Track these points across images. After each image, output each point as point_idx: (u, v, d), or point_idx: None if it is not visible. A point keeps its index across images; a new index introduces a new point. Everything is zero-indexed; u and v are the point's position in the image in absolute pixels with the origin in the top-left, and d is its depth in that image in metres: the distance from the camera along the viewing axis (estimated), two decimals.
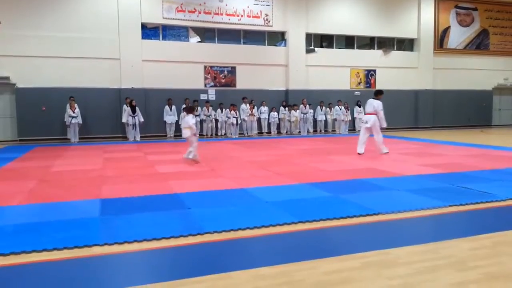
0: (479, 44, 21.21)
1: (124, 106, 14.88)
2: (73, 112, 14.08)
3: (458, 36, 20.74)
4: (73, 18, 14.80)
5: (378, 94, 9.66)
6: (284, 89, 17.80)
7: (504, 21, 21.60)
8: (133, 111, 14.71)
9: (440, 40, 20.37)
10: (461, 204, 4.93)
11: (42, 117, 14.45)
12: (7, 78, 14.13)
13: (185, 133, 8.47)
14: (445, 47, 20.51)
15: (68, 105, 14.10)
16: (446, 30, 20.44)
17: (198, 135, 8.84)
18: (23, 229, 4.11)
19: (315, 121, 17.86)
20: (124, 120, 14.84)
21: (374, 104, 9.43)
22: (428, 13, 19.90)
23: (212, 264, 3.22)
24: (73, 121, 14.13)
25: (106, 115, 15.20)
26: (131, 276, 3.09)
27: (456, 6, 20.56)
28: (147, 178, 6.92)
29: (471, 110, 20.89)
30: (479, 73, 21.00)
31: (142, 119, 14.80)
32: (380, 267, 3.11)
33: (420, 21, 19.79)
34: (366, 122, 9.45)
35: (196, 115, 15.55)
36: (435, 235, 3.99)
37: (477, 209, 4.81)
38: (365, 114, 9.86)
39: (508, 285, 2.84)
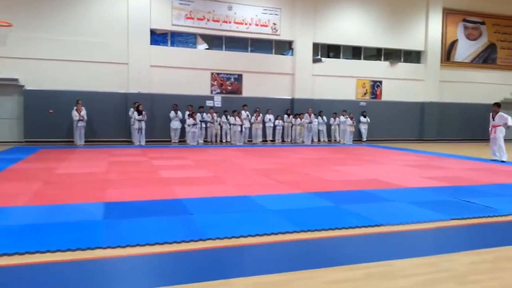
0: (486, 58, 21.21)
1: (131, 109, 15.00)
2: (80, 115, 14.19)
3: (466, 49, 20.77)
4: (83, 22, 14.98)
5: None
6: (289, 97, 17.87)
7: None
8: (140, 115, 14.80)
9: (447, 53, 20.41)
10: (463, 218, 4.91)
11: (49, 119, 14.57)
12: (16, 80, 14.30)
13: None
14: (452, 60, 20.53)
15: (74, 108, 14.22)
16: (454, 43, 20.48)
17: None
18: (27, 230, 4.15)
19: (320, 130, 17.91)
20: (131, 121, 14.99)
21: None
22: (435, 26, 19.95)
23: (213, 271, 3.23)
24: (79, 124, 14.24)
25: (112, 119, 15.31)
26: (133, 280, 3.11)
27: (464, 20, 20.61)
28: (151, 182, 6.96)
29: (477, 124, 20.77)
30: (485, 87, 20.96)
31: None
32: (382, 279, 3.11)
33: (427, 34, 19.85)
34: None
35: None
36: (437, 248, 3.98)
37: (480, 223, 4.79)
38: None
39: None
